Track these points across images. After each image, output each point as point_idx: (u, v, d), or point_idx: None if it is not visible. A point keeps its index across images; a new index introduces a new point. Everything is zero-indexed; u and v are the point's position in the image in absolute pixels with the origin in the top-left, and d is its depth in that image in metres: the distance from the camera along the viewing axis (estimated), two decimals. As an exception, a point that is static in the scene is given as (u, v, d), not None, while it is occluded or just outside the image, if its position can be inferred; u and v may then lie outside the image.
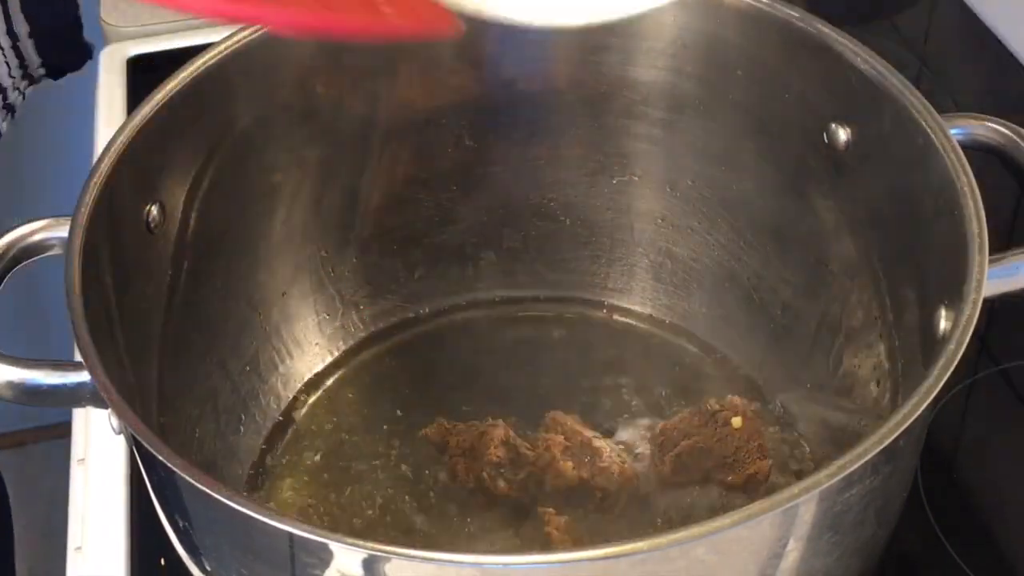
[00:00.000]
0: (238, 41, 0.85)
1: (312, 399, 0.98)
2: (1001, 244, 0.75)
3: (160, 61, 1.27)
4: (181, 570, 0.80)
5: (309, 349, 0.99)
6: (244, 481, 0.92)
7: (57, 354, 0.76)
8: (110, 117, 1.23)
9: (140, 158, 0.79)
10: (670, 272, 1.01)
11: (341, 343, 1.01)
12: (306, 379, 0.99)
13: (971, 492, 0.93)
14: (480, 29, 0.67)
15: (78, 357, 0.69)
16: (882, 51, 0.82)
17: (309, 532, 0.59)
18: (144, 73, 1.28)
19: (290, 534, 0.60)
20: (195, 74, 0.83)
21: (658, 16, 0.89)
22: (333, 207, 0.96)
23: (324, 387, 0.99)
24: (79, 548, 0.90)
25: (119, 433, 0.77)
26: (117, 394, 0.67)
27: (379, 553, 0.59)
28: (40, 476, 1.68)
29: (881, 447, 0.61)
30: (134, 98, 1.25)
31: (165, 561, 0.89)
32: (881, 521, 0.73)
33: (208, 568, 0.74)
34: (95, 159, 0.77)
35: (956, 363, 0.65)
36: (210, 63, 0.83)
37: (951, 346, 0.65)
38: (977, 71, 1.30)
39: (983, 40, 1.31)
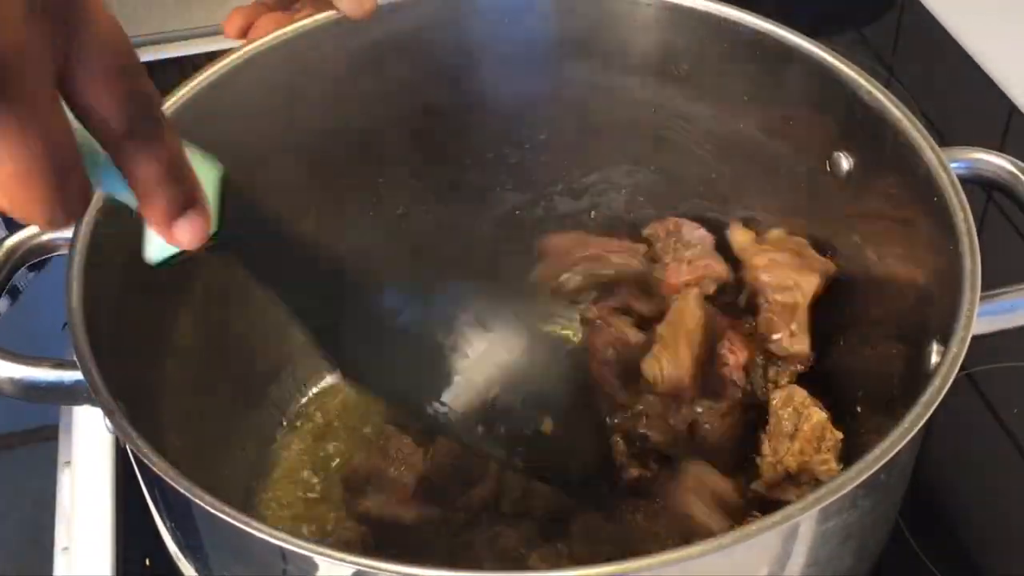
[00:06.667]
0: (247, 53, 0.88)
1: (319, 399, 1.02)
2: (1000, 280, 0.77)
3: (157, 70, 1.30)
4: (166, 571, 0.84)
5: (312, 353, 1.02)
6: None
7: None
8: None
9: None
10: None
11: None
12: (310, 380, 1.03)
13: (935, 494, 0.97)
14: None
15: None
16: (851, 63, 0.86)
17: (300, 547, 0.62)
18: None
19: (282, 548, 0.63)
20: (208, 80, 0.86)
21: (653, 39, 0.93)
22: (342, 219, 0.99)
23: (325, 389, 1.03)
24: (66, 548, 0.94)
25: (112, 432, 0.80)
26: (108, 395, 0.70)
27: (368, 568, 0.61)
28: (27, 478, 1.71)
29: (861, 479, 0.63)
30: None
31: (150, 561, 0.93)
32: (862, 556, 0.76)
33: (197, 566, 0.78)
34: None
35: (940, 399, 0.67)
36: (220, 72, 0.86)
37: (936, 382, 0.68)
38: (945, 82, 1.35)
39: (950, 51, 1.35)
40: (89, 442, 1.01)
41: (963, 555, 0.95)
